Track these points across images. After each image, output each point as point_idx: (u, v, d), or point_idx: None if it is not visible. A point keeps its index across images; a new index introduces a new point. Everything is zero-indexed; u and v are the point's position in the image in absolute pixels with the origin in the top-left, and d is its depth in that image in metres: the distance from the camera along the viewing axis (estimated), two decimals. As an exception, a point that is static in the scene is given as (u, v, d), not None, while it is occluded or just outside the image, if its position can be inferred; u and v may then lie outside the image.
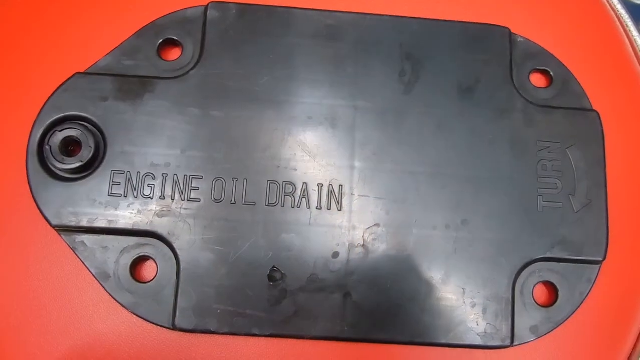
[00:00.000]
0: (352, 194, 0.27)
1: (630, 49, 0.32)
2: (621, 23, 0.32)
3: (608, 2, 0.32)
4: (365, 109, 0.28)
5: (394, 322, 0.27)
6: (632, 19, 0.31)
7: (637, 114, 0.31)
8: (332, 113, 0.28)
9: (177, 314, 0.26)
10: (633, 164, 0.30)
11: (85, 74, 0.28)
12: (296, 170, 0.27)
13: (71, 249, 0.26)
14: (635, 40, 0.32)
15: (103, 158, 0.27)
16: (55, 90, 0.27)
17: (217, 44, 0.29)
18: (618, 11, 0.32)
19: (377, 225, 0.27)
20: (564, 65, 0.30)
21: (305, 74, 0.29)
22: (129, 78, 0.28)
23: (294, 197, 0.27)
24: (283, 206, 0.27)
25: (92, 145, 0.26)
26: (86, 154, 0.26)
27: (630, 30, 0.32)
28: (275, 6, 0.29)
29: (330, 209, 0.27)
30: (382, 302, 0.27)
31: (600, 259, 0.28)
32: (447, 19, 0.30)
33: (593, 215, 0.28)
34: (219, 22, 0.29)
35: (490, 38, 0.30)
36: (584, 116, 0.29)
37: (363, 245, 0.27)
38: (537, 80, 0.30)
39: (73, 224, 0.26)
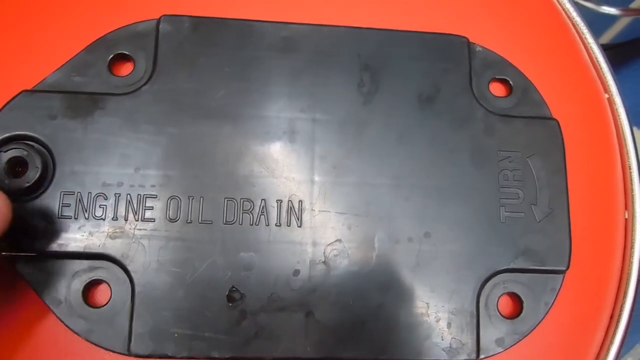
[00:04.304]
0: (312, 210, 0.27)
1: (587, 56, 0.32)
2: (577, 30, 0.32)
3: (563, 10, 0.32)
4: (324, 121, 0.28)
5: (358, 339, 0.26)
6: (587, 26, 0.32)
7: (596, 121, 0.31)
8: (290, 126, 0.28)
9: (133, 339, 0.25)
10: (593, 172, 0.30)
11: (33, 91, 0.27)
12: (254, 186, 0.27)
13: (20, 274, 0.25)
14: (590, 47, 0.32)
15: (52, 179, 0.26)
16: (1, 109, 0.26)
17: (170, 58, 0.28)
18: (574, 19, 0.32)
19: (339, 240, 0.27)
20: (523, 74, 0.30)
21: (261, 87, 0.28)
22: (78, 95, 0.27)
23: (252, 214, 0.26)
24: (241, 224, 0.26)
25: (39, 165, 0.25)
26: (32, 174, 0.25)
27: (585, 38, 0.32)
28: (230, 19, 0.29)
29: (290, 226, 0.27)
30: (345, 319, 0.26)
31: (564, 268, 0.27)
32: (404, 29, 0.30)
33: (555, 224, 0.28)
34: (172, 36, 0.28)
35: (449, 48, 0.30)
36: (544, 125, 0.29)
37: (324, 262, 0.26)
38: (497, 89, 0.30)
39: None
